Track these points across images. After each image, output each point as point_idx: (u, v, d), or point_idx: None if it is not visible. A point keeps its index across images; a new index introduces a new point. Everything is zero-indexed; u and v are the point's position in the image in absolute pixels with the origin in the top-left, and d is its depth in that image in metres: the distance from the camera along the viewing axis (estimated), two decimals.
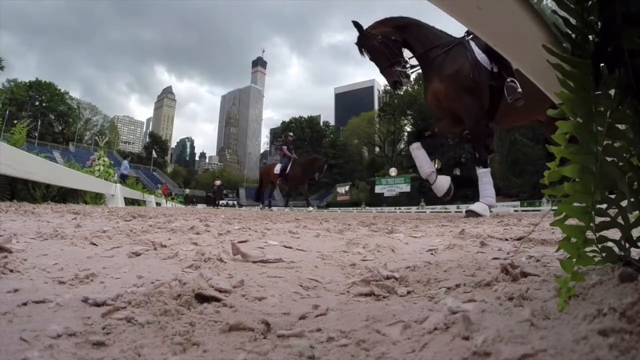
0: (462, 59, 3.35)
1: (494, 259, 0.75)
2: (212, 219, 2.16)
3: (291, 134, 12.47)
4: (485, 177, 3.47)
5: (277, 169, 10.52)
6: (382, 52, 3.60)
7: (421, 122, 40.57)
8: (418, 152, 3.65)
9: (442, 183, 3.60)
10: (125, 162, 11.95)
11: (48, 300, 0.41)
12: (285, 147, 10.65)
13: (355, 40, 3.74)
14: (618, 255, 0.40)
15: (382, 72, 3.70)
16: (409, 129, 44.80)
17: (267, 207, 10.99)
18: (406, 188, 31.75)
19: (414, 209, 23.96)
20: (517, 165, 30.05)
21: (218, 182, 17.99)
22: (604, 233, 0.38)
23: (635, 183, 0.38)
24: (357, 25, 3.71)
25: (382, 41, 3.58)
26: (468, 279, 0.54)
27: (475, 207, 3.47)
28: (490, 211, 3.50)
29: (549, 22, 0.49)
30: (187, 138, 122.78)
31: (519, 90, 3.09)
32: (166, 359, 0.29)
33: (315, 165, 10.27)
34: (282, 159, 10.60)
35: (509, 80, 3.16)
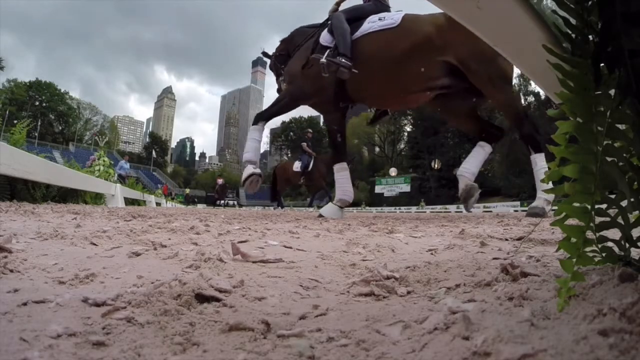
0: (302, 52, 3.21)
1: (494, 259, 0.75)
2: (212, 219, 2.16)
3: (310, 130, 11.62)
4: (252, 137, 3.18)
5: (297, 166, 9.91)
6: (274, 69, 3.72)
7: (421, 122, 40.64)
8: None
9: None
10: (123, 162, 11.06)
11: (48, 300, 0.41)
12: (304, 144, 10.10)
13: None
14: (618, 255, 0.40)
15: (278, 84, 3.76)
16: (409, 129, 44.84)
17: (280, 207, 10.52)
18: (406, 188, 31.72)
19: (414, 209, 23.95)
20: (517, 165, 30.01)
21: (221, 181, 17.37)
22: (604, 233, 0.38)
23: (635, 183, 0.38)
24: (264, 54, 3.82)
25: (274, 60, 3.68)
26: (468, 279, 0.54)
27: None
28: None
29: (549, 22, 0.49)
30: (187, 138, 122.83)
31: (322, 60, 2.77)
32: (166, 359, 0.29)
33: None
34: (302, 156, 9.97)
35: (312, 55, 2.90)
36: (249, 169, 3.07)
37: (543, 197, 2.60)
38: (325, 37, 3.05)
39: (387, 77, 2.82)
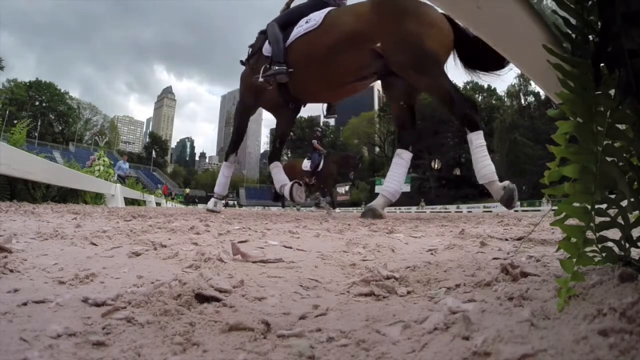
0: (250, 63, 3.41)
1: (494, 259, 0.75)
2: (212, 219, 2.16)
3: (319, 129, 11.08)
4: (224, 170, 3.62)
5: (307, 165, 9.48)
6: None
7: (421, 122, 40.66)
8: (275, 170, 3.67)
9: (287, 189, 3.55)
10: (121, 162, 10.54)
11: (48, 300, 0.41)
12: (315, 142, 9.69)
13: None
14: (618, 255, 0.40)
15: None
16: None
17: (284, 207, 10.16)
18: (406, 188, 31.72)
19: (414, 209, 23.95)
20: (517, 165, 30.05)
21: None
22: (604, 233, 0.38)
23: (635, 183, 0.38)
24: (242, 63, 3.90)
25: (247, 66, 3.72)
26: (468, 279, 0.54)
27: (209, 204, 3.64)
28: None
29: (549, 22, 0.49)
30: (187, 138, 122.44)
31: (260, 80, 3.01)
32: (166, 359, 0.29)
33: (349, 163, 9.48)
34: (312, 154, 9.54)
35: (253, 77, 3.15)
36: (212, 203, 3.64)
37: (485, 175, 2.41)
38: (266, 48, 3.20)
39: (322, 75, 2.91)
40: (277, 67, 2.88)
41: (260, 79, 3.00)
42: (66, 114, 47.12)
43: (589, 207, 0.36)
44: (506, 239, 1.15)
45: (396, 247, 1.01)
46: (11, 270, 0.56)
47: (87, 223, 1.46)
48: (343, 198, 39.69)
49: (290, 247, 0.99)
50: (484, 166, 2.37)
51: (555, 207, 0.37)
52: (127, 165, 10.69)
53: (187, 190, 36.70)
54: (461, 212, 14.79)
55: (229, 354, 0.30)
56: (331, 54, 2.76)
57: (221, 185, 3.67)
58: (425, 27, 2.46)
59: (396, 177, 2.81)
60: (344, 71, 2.83)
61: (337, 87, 3.04)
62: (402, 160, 2.84)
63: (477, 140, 2.43)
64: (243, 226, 1.59)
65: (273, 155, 3.80)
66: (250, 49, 3.62)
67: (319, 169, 9.28)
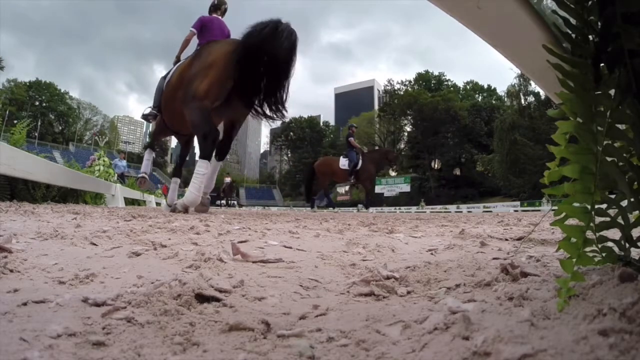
0: None
1: (494, 259, 0.75)
2: (212, 219, 2.16)
3: (355, 125, 10.43)
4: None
5: (344, 163, 8.88)
6: None
7: (421, 122, 40.69)
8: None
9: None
10: (117, 160, 10.06)
11: (48, 300, 0.41)
12: (352, 139, 9.16)
13: None
14: (618, 255, 0.40)
15: None
16: (409, 129, 44.91)
17: (332, 207, 9.49)
18: (406, 188, 31.82)
19: (414, 209, 23.98)
20: (517, 165, 30.08)
21: (228, 180, 16.25)
22: (604, 233, 0.38)
23: (635, 183, 0.38)
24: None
25: None
26: (468, 279, 0.54)
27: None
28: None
29: (549, 22, 0.49)
30: None
31: (141, 117, 3.81)
32: (166, 359, 0.29)
33: (388, 158, 9.13)
34: (349, 152, 8.97)
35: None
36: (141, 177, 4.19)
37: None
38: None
39: (176, 113, 3.47)
40: (149, 110, 3.70)
41: (141, 117, 3.83)
42: (66, 114, 47.10)
43: (589, 207, 0.36)
44: (506, 239, 1.16)
45: (396, 247, 1.01)
46: (11, 270, 0.56)
47: (87, 223, 1.46)
48: (343, 198, 39.72)
49: (290, 247, 0.99)
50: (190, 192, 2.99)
51: (555, 207, 0.37)
52: (123, 163, 10.53)
53: None
54: (461, 212, 14.80)
55: (229, 354, 0.30)
56: (175, 97, 3.38)
57: (144, 166, 4.12)
58: (197, 67, 3.01)
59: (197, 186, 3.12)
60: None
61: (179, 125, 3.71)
62: (202, 170, 3.15)
63: (198, 167, 2.97)
64: (243, 226, 1.59)
65: (176, 170, 4.38)
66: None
67: (357, 168, 8.89)
